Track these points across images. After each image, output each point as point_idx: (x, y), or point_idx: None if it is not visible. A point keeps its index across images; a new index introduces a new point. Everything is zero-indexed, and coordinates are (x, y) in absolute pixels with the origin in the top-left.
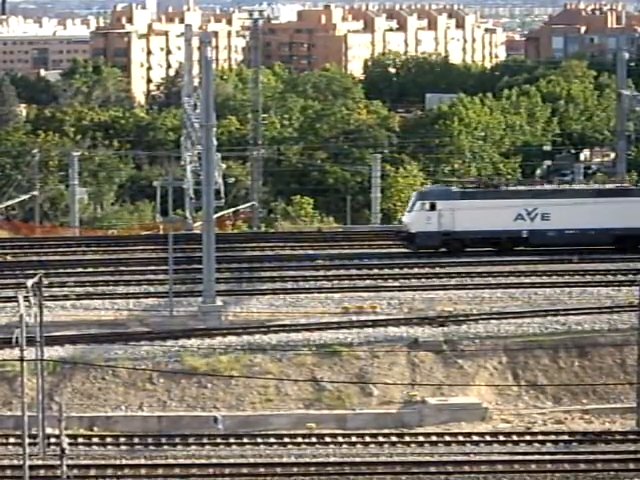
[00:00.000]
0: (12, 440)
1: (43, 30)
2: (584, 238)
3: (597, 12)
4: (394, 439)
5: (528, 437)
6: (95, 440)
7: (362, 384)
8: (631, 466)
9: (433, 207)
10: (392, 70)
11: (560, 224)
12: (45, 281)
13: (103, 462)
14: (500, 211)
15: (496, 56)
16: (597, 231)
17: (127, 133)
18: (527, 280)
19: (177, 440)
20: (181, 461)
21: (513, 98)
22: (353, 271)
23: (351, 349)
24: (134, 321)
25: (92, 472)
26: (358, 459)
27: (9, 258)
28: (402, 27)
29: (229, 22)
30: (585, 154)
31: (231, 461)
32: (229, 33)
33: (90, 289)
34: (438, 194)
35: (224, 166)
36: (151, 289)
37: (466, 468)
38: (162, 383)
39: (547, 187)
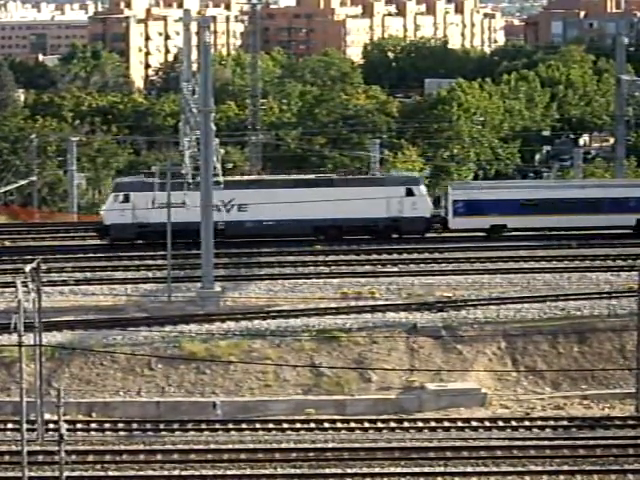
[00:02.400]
0: (10, 426)
1: (41, 15)
2: (283, 229)
3: None
4: (393, 425)
5: (527, 422)
6: (93, 426)
7: (361, 370)
8: (630, 451)
9: (127, 199)
10: (391, 55)
11: (257, 215)
12: (43, 266)
13: (101, 448)
14: (195, 203)
15: (495, 41)
16: (296, 222)
17: (125, 118)
18: (526, 265)
19: (175, 426)
20: (179, 447)
21: (512, 83)
22: (352, 256)
23: (350, 335)
24: (132, 307)
25: (90, 458)
26: (357, 445)
27: (7, 243)
28: (401, 12)
29: (227, 7)
30: (584, 139)
31: (229, 447)
32: (228, 18)
33: (88, 274)
34: (132, 186)
35: (222, 151)
36: (149, 274)
37: (465, 454)
38: (160, 369)
39: (243, 178)
